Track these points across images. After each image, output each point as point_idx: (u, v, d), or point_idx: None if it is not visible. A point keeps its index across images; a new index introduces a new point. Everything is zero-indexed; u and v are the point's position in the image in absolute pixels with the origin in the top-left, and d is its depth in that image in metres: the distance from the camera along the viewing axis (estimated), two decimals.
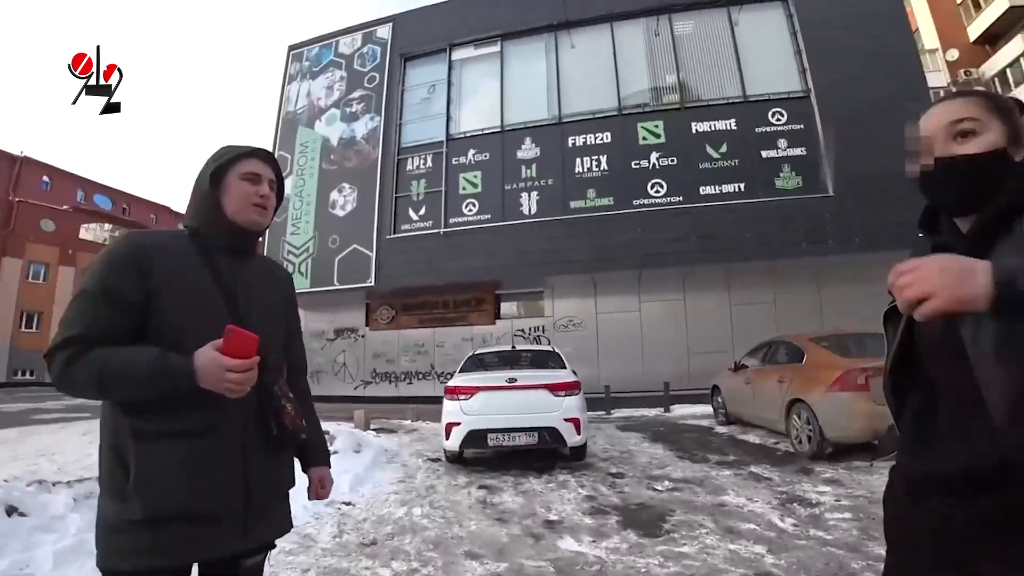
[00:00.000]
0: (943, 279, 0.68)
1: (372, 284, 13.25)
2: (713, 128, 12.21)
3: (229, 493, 1.08)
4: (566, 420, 5.05)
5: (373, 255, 13.31)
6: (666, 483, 4.73)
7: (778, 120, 12.08)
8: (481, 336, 13.39)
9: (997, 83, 22.96)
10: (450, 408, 5.29)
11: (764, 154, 11.96)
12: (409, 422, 9.42)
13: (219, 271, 1.15)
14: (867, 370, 5.08)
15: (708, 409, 9.31)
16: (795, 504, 4.03)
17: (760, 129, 12.07)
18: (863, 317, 11.09)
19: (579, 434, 5.10)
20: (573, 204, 12.35)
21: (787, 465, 5.31)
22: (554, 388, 5.15)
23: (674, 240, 11.41)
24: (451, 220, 13.24)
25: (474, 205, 13.14)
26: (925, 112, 0.92)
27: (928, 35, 23.26)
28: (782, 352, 6.75)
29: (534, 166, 12.89)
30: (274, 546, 1.23)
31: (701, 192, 11.88)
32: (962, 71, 23.72)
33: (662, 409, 10.35)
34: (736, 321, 12.34)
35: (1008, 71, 22.98)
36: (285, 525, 1.26)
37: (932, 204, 0.93)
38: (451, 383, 5.46)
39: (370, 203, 13.78)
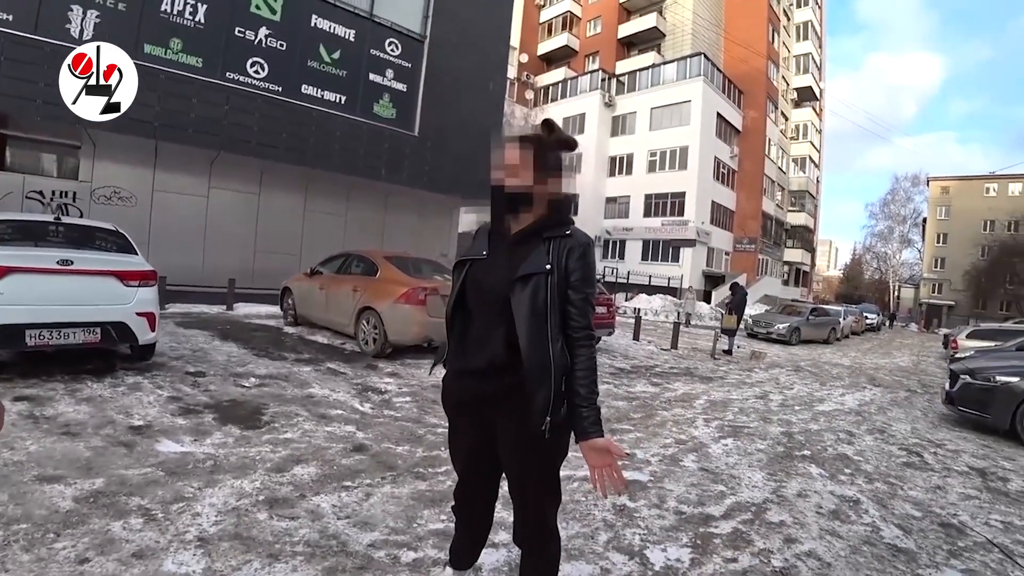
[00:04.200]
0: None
1: None
2: (332, 30, 11.78)
3: None
4: (139, 314, 4.42)
5: None
6: (252, 379, 4.81)
7: (392, 51, 12.73)
8: None
9: (542, 93, 31.47)
10: None
11: (372, 77, 12.46)
12: None
13: None
14: (426, 289, 6.23)
15: (273, 309, 9.38)
16: (369, 392, 4.87)
17: (375, 52, 12.45)
18: (416, 242, 13.48)
19: (153, 330, 4.58)
20: (148, 48, 9.57)
21: (356, 362, 6.09)
22: (126, 276, 4.39)
23: (262, 130, 10.61)
24: None
25: None
26: (502, 138, 1.44)
27: (513, 36, 29.39)
28: (357, 264, 7.41)
29: None
30: None
31: (303, 90, 11.40)
32: (526, 73, 31.65)
33: (224, 307, 9.76)
34: (308, 227, 12.74)
35: (551, 88, 31.85)
36: None
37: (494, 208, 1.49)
38: None
39: None
